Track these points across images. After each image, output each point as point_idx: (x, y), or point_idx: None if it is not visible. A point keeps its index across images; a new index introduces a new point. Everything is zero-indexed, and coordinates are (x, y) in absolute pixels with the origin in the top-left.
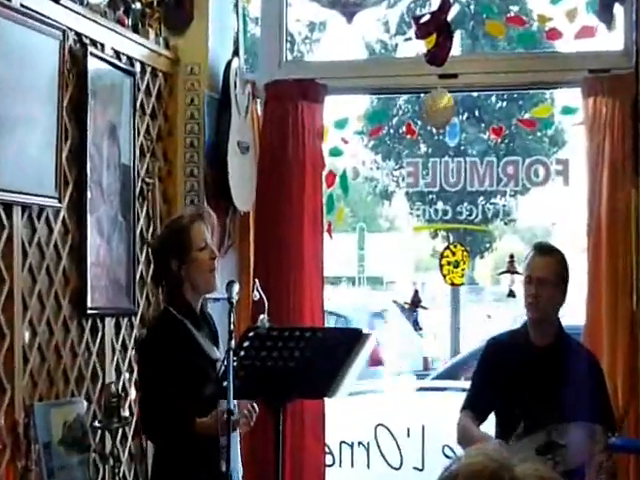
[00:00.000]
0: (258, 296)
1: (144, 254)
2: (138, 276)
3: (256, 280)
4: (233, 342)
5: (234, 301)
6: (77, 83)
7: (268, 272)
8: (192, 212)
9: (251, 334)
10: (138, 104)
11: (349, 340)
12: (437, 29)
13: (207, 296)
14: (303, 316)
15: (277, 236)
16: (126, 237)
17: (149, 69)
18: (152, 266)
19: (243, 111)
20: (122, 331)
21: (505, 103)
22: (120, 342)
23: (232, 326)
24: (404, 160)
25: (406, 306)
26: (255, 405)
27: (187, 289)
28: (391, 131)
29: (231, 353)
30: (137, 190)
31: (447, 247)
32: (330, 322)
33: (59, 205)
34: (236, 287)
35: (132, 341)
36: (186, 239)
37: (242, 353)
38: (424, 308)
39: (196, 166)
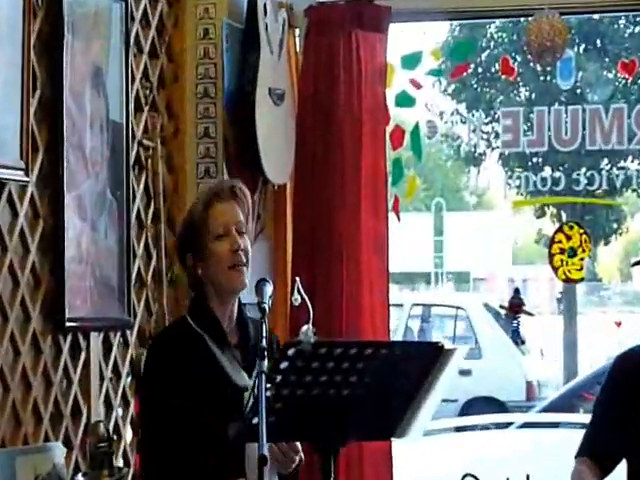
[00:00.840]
0: (300, 300)
1: (142, 244)
2: (135, 275)
3: (296, 278)
4: (266, 363)
5: (267, 307)
6: (49, 12)
7: (312, 268)
8: (212, 189)
9: (291, 352)
10: (132, 39)
11: (425, 359)
12: None
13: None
14: (361, 327)
15: (324, 218)
16: (118, 222)
17: None
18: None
19: (276, 47)
20: (113, 351)
21: (638, 29)
22: (111, 366)
23: (265, 341)
24: (498, 110)
25: (502, 312)
26: (299, 447)
27: (209, 292)
28: (479, 70)
29: (263, 378)
30: (132, 157)
31: (559, 229)
32: (397, 336)
33: (26, 179)
34: (269, 288)
35: (127, 364)
36: (201, 226)
37: (279, 378)
38: (528, 314)
39: (212, 123)
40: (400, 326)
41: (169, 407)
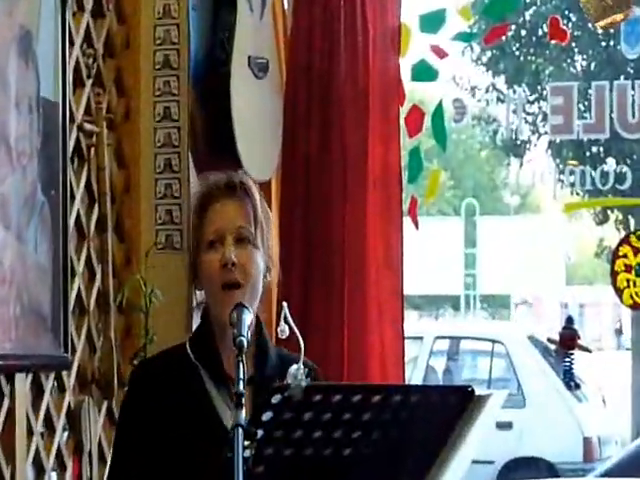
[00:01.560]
0: (287, 331)
1: (83, 259)
2: (73, 299)
3: (283, 304)
4: (242, 414)
5: (245, 341)
6: None
7: (304, 289)
8: (210, 183)
9: (275, 399)
10: None
11: (451, 408)
12: None
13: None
14: (368, 366)
15: (320, 225)
16: (52, 230)
17: None
18: None
19: (257, 3)
20: (45, 398)
21: None
22: (42, 417)
23: (242, 384)
24: (546, 85)
25: (552, 346)
26: None
27: (211, 310)
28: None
29: (239, 433)
30: (70, 146)
31: (625, 240)
32: (415, 378)
33: None
34: (247, 316)
35: (63, 416)
36: (196, 231)
37: (260, 433)
38: (585, 350)
39: (174, 102)
40: (419, 365)
41: (136, 444)
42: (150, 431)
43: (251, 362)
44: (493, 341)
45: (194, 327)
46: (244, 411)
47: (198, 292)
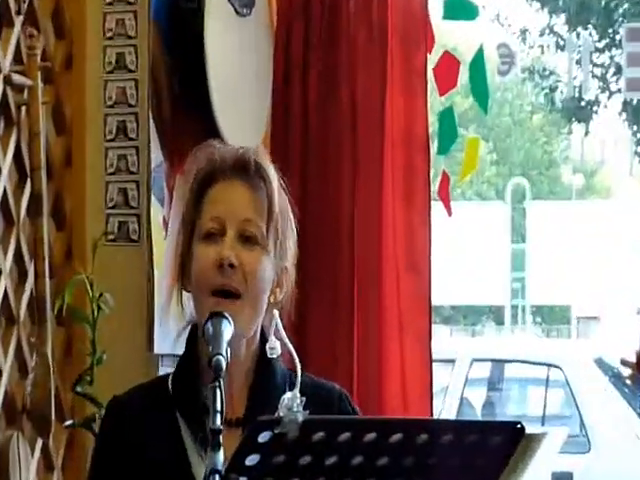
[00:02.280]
0: (279, 349)
1: (11, 252)
2: None
3: (274, 312)
4: (220, 457)
5: (223, 361)
6: None
7: (302, 293)
8: (220, 156)
9: (263, 438)
10: None
11: (495, 450)
12: None
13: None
14: (384, 396)
15: (320, 210)
16: None
17: None
18: None
19: None
20: None
21: None
22: None
23: (217, 420)
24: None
25: (626, 371)
26: None
27: (198, 324)
28: None
29: None
30: None
31: None
32: (445, 412)
33: None
34: (227, 329)
35: None
36: (191, 214)
37: None
38: None
39: (131, 46)
40: (451, 396)
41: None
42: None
43: (243, 397)
44: (548, 365)
45: (156, 343)
46: (221, 454)
47: (185, 298)
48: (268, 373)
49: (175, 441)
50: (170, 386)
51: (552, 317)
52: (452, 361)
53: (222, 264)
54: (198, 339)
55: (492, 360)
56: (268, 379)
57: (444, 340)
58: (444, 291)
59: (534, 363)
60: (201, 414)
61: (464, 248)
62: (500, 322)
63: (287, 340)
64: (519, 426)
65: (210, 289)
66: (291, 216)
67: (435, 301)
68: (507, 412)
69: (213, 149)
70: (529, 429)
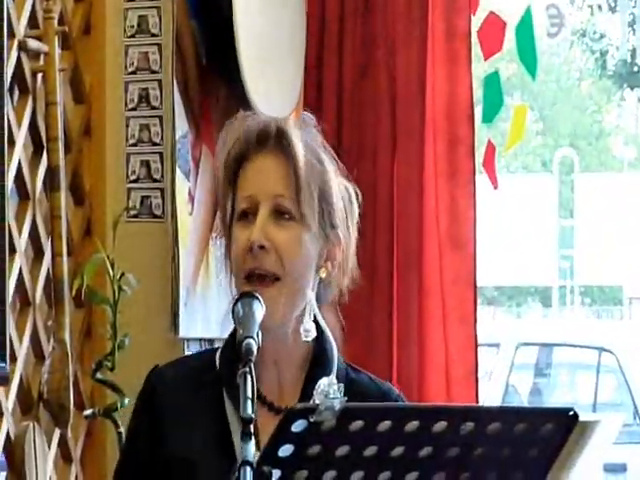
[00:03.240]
0: (314, 331)
1: (26, 230)
2: (13, 286)
3: (310, 293)
4: (251, 447)
5: (254, 348)
6: None
7: None
8: (252, 128)
9: (298, 427)
10: None
11: (545, 438)
12: None
13: None
14: (426, 381)
15: (357, 183)
16: None
17: None
18: None
19: None
20: None
21: None
22: None
23: (250, 406)
24: None
25: None
26: None
27: None
28: None
29: (247, 474)
30: (8, 73)
31: None
32: (489, 400)
33: None
34: (258, 310)
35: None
36: (227, 191)
37: (277, 474)
38: None
39: (154, 8)
40: (496, 382)
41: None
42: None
43: (297, 387)
44: (600, 349)
45: (182, 326)
46: (252, 444)
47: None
48: (324, 365)
49: (220, 421)
50: (218, 363)
51: (602, 298)
52: (496, 345)
53: (251, 247)
54: None
55: (539, 344)
56: (323, 371)
57: (487, 323)
58: (487, 271)
59: (584, 347)
60: (244, 397)
61: (508, 225)
62: (547, 304)
63: (323, 322)
64: (572, 413)
65: (243, 273)
66: (341, 185)
67: (478, 281)
68: (555, 399)
69: (241, 123)
70: (582, 416)
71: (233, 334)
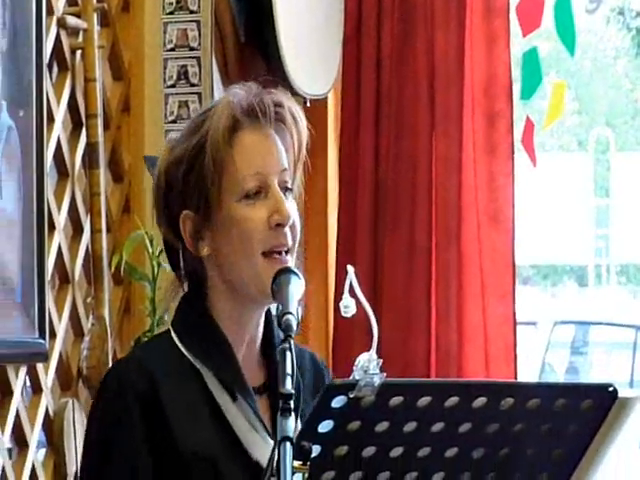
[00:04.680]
0: (353, 308)
1: (65, 206)
2: (52, 264)
3: (348, 268)
4: (291, 423)
5: (293, 320)
6: None
7: (375, 250)
8: (241, 103)
9: (337, 402)
10: None
11: (584, 414)
12: None
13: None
14: (464, 359)
15: (396, 158)
16: (22, 166)
17: None
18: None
19: None
20: (14, 401)
21: None
22: (9, 428)
23: (289, 382)
24: None
25: None
26: None
27: (216, 292)
28: None
29: (288, 450)
30: (47, 50)
31: None
32: (526, 377)
33: None
34: (298, 286)
35: (38, 425)
36: (218, 169)
37: (317, 450)
38: None
39: None
40: (533, 360)
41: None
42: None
43: (261, 368)
44: (636, 328)
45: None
46: (292, 419)
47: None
48: (276, 334)
49: (212, 414)
50: (183, 347)
51: (638, 277)
52: (533, 324)
53: (281, 223)
54: (207, 287)
55: (575, 323)
56: (273, 339)
57: (524, 302)
58: (523, 249)
59: (621, 325)
60: (235, 373)
61: (543, 204)
62: (583, 283)
63: (363, 299)
64: (611, 389)
65: (262, 250)
66: None
67: (519, 260)
68: (591, 378)
69: (229, 99)
70: (622, 392)
71: (190, 316)
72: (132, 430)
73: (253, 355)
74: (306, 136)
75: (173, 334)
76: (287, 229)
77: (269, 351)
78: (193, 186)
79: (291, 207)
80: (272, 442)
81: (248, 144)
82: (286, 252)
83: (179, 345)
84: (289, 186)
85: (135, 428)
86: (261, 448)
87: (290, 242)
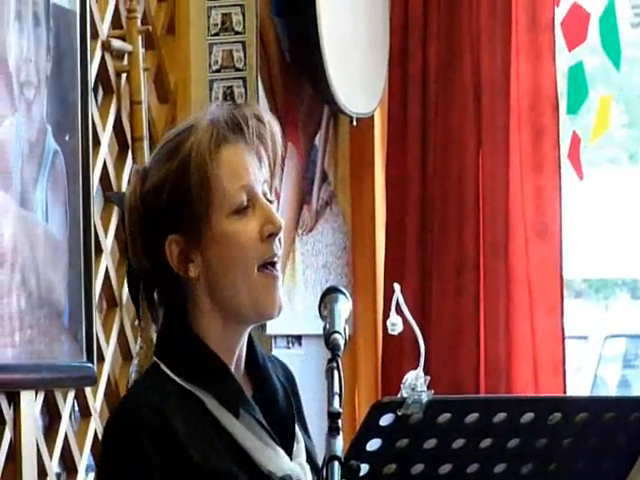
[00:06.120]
0: (401, 326)
1: (112, 229)
2: (99, 287)
3: (395, 287)
4: (339, 442)
5: (341, 339)
6: None
7: (423, 267)
8: (222, 119)
9: (386, 420)
10: None
11: (633, 429)
12: None
13: (268, 331)
14: (513, 374)
15: (444, 176)
16: (68, 190)
17: None
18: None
19: None
20: (62, 424)
21: None
22: (58, 452)
23: (339, 401)
24: None
25: None
26: None
27: (203, 313)
28: None
29: (335, 469)
30: (93, 73)
31: None
32: (578, 391)
33: None
34: (345, 305)
35: (88, 449)
36: (203, 187)
37: (365, 469)
38: None
39: (238, 6)
40: (584, 374)
41: None
42: None
43: (248, 384)
44: None
45: (269, 322)
46: (340, 439)
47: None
48: (258, 349)
49: (220, 436)
50: (171, 372)
51: None
52: (584, 337)
53: (274, 233)
54: (193, 308)
55: (627, 336)
56: (261, 356)
57: (575, 315)
58: (575, 263)
59: None
60: (235, 389)
61: (595, 217)
62: (635, 296)
63: (410, 316)
64: None
65: (257, 262)
66: None
67: (565, 274)
68: None
69: (209, 117)
70: None
71: (169, 331)
72: (153, 472)
73: (240, 371)
74: (282, 150)
75: (163, 366)
76: (277, 241)
77: (253, 365)
78: (179, 208)
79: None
80: (280, 450)
81: (232, 159)
82: (276, 264)
83: (172, 375)
84: (269, 198)
85: (155, 468)
86: (271, 458)
87: (280, 251)
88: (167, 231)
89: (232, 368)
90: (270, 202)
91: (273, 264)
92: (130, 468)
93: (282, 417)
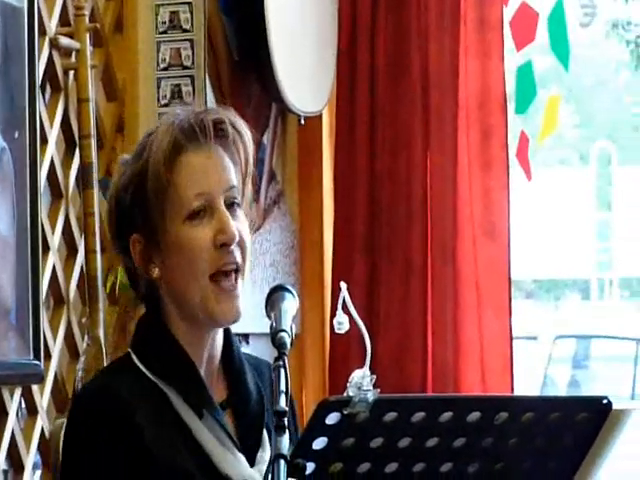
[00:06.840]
0: (347, 325)
1: (59, 227)
2: (47, 284)
3: (341, 285)
4: (285, 441)
5: (287, 339)
6: None
7: (370, 266)
8: (180, 124)
9: (331, 419)
10: None
11: (577, 428)
12: None
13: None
14: (460, 374)
15: (390, 175)
16: (15, 188)
17: None
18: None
19: None
20: (9, 423)
21: None
22: (4, 449)
23: (284, 400)
24: None
25: None
26: None
27: (172, 312)
28: None
29: (282, 468)
30: (40, 71)
31: None
32: (527, 392)
33: None
34: (292, 304)
35: (34, 447)
36: (160, 191)
37: (310, 468)
38: None
39: (185, 4)
40: (533, 375)
41: None
42: None
43: (222, 384)
44: (638, 341)
45: None
46: (287, 437)
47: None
48: (236, 349)
49: (181, 433)
50: (142, 366)
51: None
52: (534, 338)
53: (226, 243)
54: (163, 307)
55: (577, 337)
56: (239, 357)
57: (525, 316)
58: (525, 264)
59: (622, 339)
60: (200, 390)
61: (545, 218)
62: (586, 297)
63: (356, 315)
64: (605, 401)
65: (209, 271)
66: None
67: (516, 275)
68: (593, 391)
69: (170, 121)
70: (616, 404)
71: (144, 326)
72: (111, 461)
73: (213, 372)
74: (252, 149)
75: (134, 357)
76: (235, 247)
77: (229, 367)
78: (139, 211)
79: (240, 225)
80: (240, 456)
81: (191, 166)
82: (236, 271)
83: (141, 367)
84: (237, 202)
85: (113, 456)
86: (230, 463)
87: (239, 260)
88: (131, 229)
89: (202, 368)
90: (232, 207)
91: (226, 273)
92: (90, 454)
93: (251, 422)
